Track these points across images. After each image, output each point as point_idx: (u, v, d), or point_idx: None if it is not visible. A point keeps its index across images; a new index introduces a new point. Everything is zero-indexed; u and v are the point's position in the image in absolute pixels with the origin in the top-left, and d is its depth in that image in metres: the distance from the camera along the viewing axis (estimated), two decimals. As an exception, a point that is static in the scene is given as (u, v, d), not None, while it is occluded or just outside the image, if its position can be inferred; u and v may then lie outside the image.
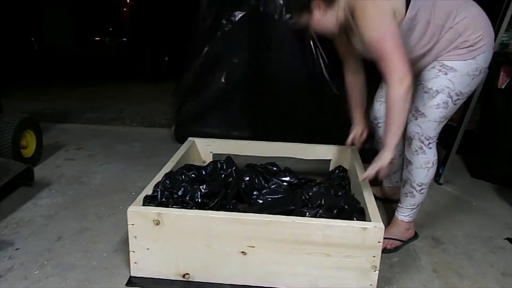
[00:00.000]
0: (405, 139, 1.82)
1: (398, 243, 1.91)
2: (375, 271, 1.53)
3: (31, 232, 1.96)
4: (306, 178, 2.11)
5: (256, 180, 1.95)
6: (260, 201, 1.80)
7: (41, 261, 1.74)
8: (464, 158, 3.03)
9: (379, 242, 1.50)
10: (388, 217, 2.12)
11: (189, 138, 2.43)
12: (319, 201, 1.77)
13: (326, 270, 1.54)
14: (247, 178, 1.93)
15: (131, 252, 1.60)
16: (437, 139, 1.78)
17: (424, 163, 1.78)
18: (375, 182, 2.07)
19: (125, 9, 6.11)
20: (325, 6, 1.64)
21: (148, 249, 1.58)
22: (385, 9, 1.54)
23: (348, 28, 1.70)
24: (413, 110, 1.75)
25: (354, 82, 2.02)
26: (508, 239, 2.04)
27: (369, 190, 1.81)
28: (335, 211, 1.74)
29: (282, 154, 2.39)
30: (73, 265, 1.72)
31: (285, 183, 1.95)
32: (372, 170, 1.67)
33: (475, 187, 2.66)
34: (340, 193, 1.90)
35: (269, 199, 1.81)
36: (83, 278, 1.64)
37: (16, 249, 1.82)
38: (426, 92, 1.71)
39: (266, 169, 2.05)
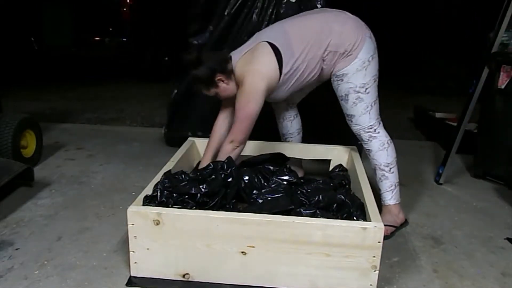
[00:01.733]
0: (356, 136, 2.06)
1: (392, 228, 2.02)
2: (375, 271, 1.53)
3: (31, 232, 1.96)
4: (306, 178, 2.11)
5: (256, 180, 1.95)
6: (260, 201, 1.80)
7: (41, 261, 1.74)
8: (464, 158, 3.03)
9: (379, 242, 1.50)
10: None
11: (189, 138, 2.43)
12: (317, 197, 1.78)
13: (326, 270, 1.54)
14: (247, 178, 1.93)
15: (131, 252, 1.60)
16: (379, 122, 2.01)
17: (379, 145, 2.00)
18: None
19: (125, 9, 6.11)
20: (226, 78, 1.97)
21: (148, 249, 1.58)
22: (259, 87, 1.88)
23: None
24: (345, 116, 2.03)
25: (221, 126, 2.19)
26: (508, 239, 2.04)
27: (369, 190, 1.81)
28: (334, 206, 1.74)
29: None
30: (73, 265, 1.72)
31: (284, 182, 1.95)
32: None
33: (475, 187, 2.66)
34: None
35: (269, 198, 1.81)
36: (83, 278, 1.64)
37: (16, 249, 1.82)
38: (341, 100, 2.00)
39: (266, 169, 2.05)
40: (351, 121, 2.01)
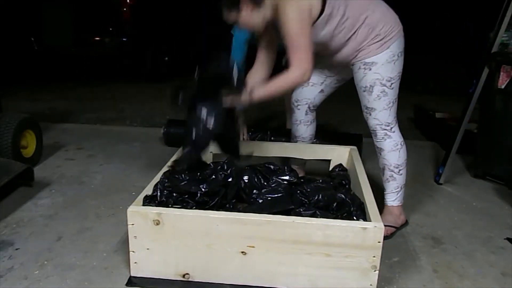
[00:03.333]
0: (370, 132, 2.02)
1: (393, 229, 2.02)
2: (375, 271, 1.53)
3: (31, 232, 1.96)
4: (306, 177, 2.11)
5: (256, 179, 1.95)
6: (260, 201, 1.80)
7: (41, 261, 1.74)
8: (464, 158, 3.03)
9: (379, 242, 1.50)
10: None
11: (189, 138, 2.42)
12: (317, 196, 1.78)
13: (326, 270, 1.54)
14: (247, 177, 1.93)
15: (131, 252, 1.60)
16: (396, 121, 1.99)
17: (393, 145, 1.98)
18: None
19: (125, 9, 6.11)
20: (252, 6, 1.78)
21: (148, 249, 1.58)
22: (303, 10, 1.73)
23: (275, 23, 1.84)
24: (364, 109, 1.98)
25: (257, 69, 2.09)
26: (508, 239, 2.04)
27: (369, 190, 1.81)
28: (334, 205, 1.74)
29: (282, 154, 2.39)
30: (73, 265, 1.72)
31: (285, 182, 1.95)
32: (228, 99, 1.82)
33: (475, 187, 2.66)
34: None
35: (269, 198, 1.81)
36: (83, 278, 1.64)
37: (16, 249, 1.82)
38: (364, 91, 1.94)
39: (266, 168, 2.05)
40: (370, 114, 1.96)
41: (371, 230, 1.49)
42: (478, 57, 2.59)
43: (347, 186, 2.06)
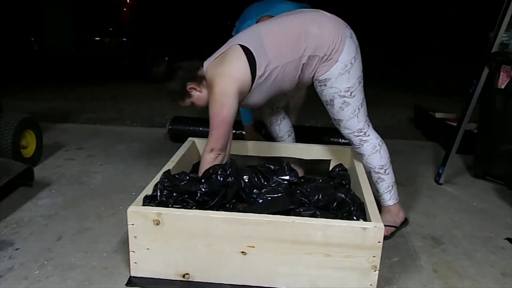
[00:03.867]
0: (347, 139, 2.03)
1: (393, 229, 2.02)
2: (375, 271, 1.53)
3: (31, 232, 1.96)
4: (306, 177, 2.11)
5: (256, 179, 1.94)
6: (260, 201, 1.80)
7: (41, 261, 1.74)
8: (464, 158, 3.03)
9: (379, 242, 1.50)
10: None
11: (189, 138, 2.43)
12: (317, 196, 1.78)
13: (326, 270, 1.54)
14: (247, 177, 1.93)
15: (131, 252, 1.60)
16: (368, 123, 1.97)
17: (371, 148, 1.97)
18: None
19: (125, 9, 6.11)
20: (198, 85, 1.95)
21: (148, 249, 1.58)
22: (229, 90, 1.84)
23: None
24: (333, 120, 2.00)
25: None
26: (508, 239, 2.04)
27: (369, 190, 1.81)
28: (334, 204, 1.74)
29: (282, 154, 2.39)
30: (73, 265, 1.72)
31: (285, 182, 1.95)
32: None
33: (475, 187, 2.66)
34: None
35: (269, 198, 1.81)
36: (83, 278, 1.64)
37: (16, 249, 1.82)
38: (327, 105, 1.95)
39: (266, 168, 2.05)
40: (339, 125, 1.97)
41: (371, 230, 1.49)
42: (478, 57, 2.59)
43: (347, 186, 2.06)
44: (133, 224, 1.57)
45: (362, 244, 1.50)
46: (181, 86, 1.96)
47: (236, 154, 2.35)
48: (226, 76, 1.85)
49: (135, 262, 1.61)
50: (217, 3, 6.93)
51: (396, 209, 2.05)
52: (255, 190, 1.88)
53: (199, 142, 2.41)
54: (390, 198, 2.03)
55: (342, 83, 1.87)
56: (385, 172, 1.99)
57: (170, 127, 3.26)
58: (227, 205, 1.80)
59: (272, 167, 2.01)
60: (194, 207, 1.70)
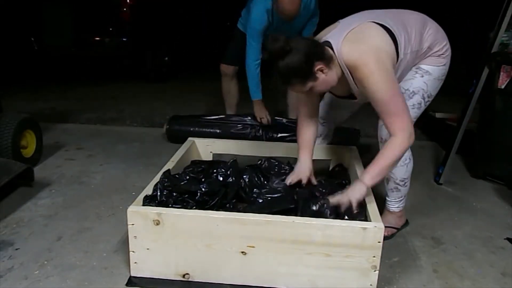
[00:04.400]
0: (379, 140, 1.87)
1: (394, 230, 2.02)
2: (375, 271, 1.53)
3: (31, 232, 1.96)
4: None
5: (256, 179, 1.94)
6: (260, 200, 1.80)
7: (41, 261, 1.74)
8: (464, 158, 3.03)
9: (379, 242, 1.50)
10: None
11: (189, 138, 2.43)
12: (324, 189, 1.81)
13: (326, 270, 1.54)
14: (247, 177, 1.93)
15: (131, 252, 1.60)
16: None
17: (402, 161, 1.85)
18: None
19: (125, 9, 6.11)
20: (326, 67, 1.61)
21: (148, 249, 1.58)
22: (388, 68, 1.58)
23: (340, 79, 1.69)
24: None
25: (308, 125, 1.96)
26: (508, 239, 2.04)
27: (369, 190, 1.81)
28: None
29: (282, 154, 2.39)
30: (73, 265, 1.72)
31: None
32: (343, 199, 1.65)
33: (475, 187, 2.66)
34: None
35: (269, 198, 1.81)
36: (83, 278, 1.64)
37: (16, 249, 1.82)
38: (403, 93, 1.75)
39: (267, 166, 2.05)
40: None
41: (371, 230, 1.49)
42: (478, 57, 2.59)
43: (347, 186, 2.06)
44: (133, 224, 1.57)
45: (362, 244, 1.50)
46: (308, 65, 1.56)
47: (236, 154, 2.35)
48: (379, 51, 1.58)
49: (135, 262, 1.61)
50: (217, 3, 6.92)
51: (400, 214, 2.05)
52: (255, 190, 1.88)
53: (199, 142, 2.42)
54: (398, 206, 2.02)
55: (433, 86, 1.82)
56: (404, 185, 1.95)
57: (167, 127, 3.25)
58: (227, 205, 1.81)
59: (275, 162, 2.01)
60: (194, 207, 1.70)
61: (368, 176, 1.65)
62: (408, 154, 1.88)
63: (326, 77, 1.62)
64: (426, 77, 1.79)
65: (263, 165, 2.07)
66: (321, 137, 2.23)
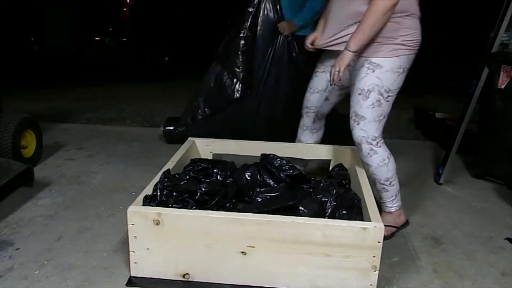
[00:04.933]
0: (355, 145, 1.92)
1: (393, 229, 2.02)
2: (375, 271, 1.53)
3: (31, 232, 1.96)
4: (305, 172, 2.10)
5: (259, 176, 1.94)
6: (259, 199, 1.80)
7: (41, 261, 1.74)
8: (464, 158, 3.03)
9: (379, 242, 1.50)
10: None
11: (189, 138, 2.43)
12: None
13: (326, 270, 1.54)
14: (248, 174, 1.93)
15: (131, 252, 1.60)
16: (382, 137, 1.89)
17: (380, 161, 1.89)
18: None
19: (125, 9, 6.11)
20: None
21: (148, 249, 1.58)
22: None
23: None
24: (353, 115, 1.86)
25: None
26: (508, 239, 2.04)
27: (369, 190, 1.81)
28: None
29: (282, 154, 2.39)
30: (73, 265, 1.72)
31: (286, 177, 1.95)
32: (333, 70, 1.79)
33: (475, 187, 2.66)
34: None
35: (268, 197, 1.81)
36: (83, 278, 1.64)
37: (16, 249, 1.82)
38: (359, 94, 1.82)
39: (270, 159, 2.05)
40: (358, 123, 1.84)
41: (371, 230, 1.49)
42: (478, 57, 2.59)
43: (347, 186, 2.06)
44: (133, 224, 1.57)
45: (362, 244, 1.50)
46: None
47: (236, 154, 2.35)
48: None
49: (135, 262, 1.61)
50: (217, 3, 6.92)
51: (398, 213, 2.05)
52: (257, 189, 1.88)
53: (199, 142, 2.41)
54: (392, 205, 2.02)
55: (388, 80, 1.79)
56: (390, 184, 1.95)
57: (164, 128, 3.24)
58: (227, 205, 1.81)
59: (279, 160, 2.01)
60: (194, 207, 1.70)
61: (351, 43, 1.73)
62: (386, 153, 1.89)
63: None
64: (378, 71, 1.78)
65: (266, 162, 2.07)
66: (309, 129, 2.35)
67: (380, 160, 1.88)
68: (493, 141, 2.64)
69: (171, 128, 3.21)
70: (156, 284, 1.60)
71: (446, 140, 2.79)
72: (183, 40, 6.68)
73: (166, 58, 6.08)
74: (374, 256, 1.51)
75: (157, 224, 1.55)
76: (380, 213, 1.70)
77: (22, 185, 2.38)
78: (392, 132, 3.49)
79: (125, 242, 1.77)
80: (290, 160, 2.36)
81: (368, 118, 1.82)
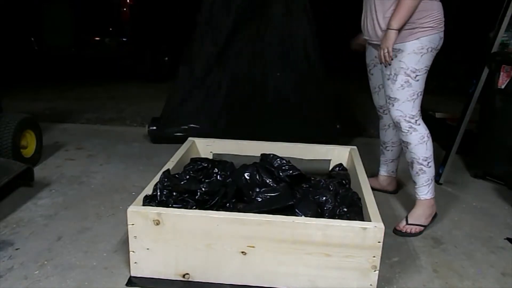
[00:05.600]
0: (395, 125, 2.02)
1: (421, 228, 2.04)
2: (375, 271, 1.53)
3: (31, 232, 1.96)
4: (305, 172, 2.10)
5: (258, 176, 1.94)
6: (259, 199, 1.80)
7: (41, 261, 1.74)
8: (464, 158, 3.03)
9: (379, 242, 1.50)
10: (387, 214, 2.12)
11: (189, 138, 2.43)
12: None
13: (326, 270, 1.54)
14: (248, 174, 1.93)
15: (131, 252, 1.60)
16: (420, 114, 1.97)
17: (419, 138, 1.96)
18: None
19: (125, 9, 6.10)
20: None
21: (148, 249, 1.58)
22: None
23: None
24: (387, 99, 1.98)
25: None
26: (508, 239, 2.04)
27: (369, 190, 1.81)
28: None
29: (282, 154, 2.38)
30: (73, 265, 1.72)
31: (286, 177, 1.95)
32: (382, 51, 1.86)
33: (475, 187, 2.66)
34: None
35: (268, 197, 1.81)
36: (83, 278, 1.64)
37: (16, 249, 1.82)
38: (388, 79, 1.94)
39: (267, 165, 2.05)
40: (393, 105, 1.95)
41: (371, 230, 1.49)
42: (478, 57, 2.59)
43: (347, 186, 2.06)
44: (133, 224, 1.57)
45: (362, 244, 1.50)
46: None
47: (236, 154, 2.35)
48: None
49: (135, 262, 1.61)
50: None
51: (430, 204, 2.06)
52: (257, 189, 1.88)
53: (199, 142, 2.42)
54: (428, 191, 2.03)
55: (411, 61, 1.88)
56: (427, 165, 1.99)
57: (150, 128, 3.25)
58: (227, 205, 1.81)
59: (278, 160, 2.01)
60: (194, 207, 1.70)
61: (393, 22, 1.83)
62: (426, 131, 1.96)
63: None
64: (399, 55, 1.89)
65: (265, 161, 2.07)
66: (392, 127, 2.29)
67: (420, 137, 1.95)
68: (493, 141, 2.64)
69: (154, 128, 3.26)
70: (156, 284, 1.60)
71: (446, 140, 2.79)
72: (183, 40, 6.69)
73: (166, 58, 6.07)
74: (374, 256, 1.51)
75: (157, 224, 1.55)
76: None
77: (22, 185, 2.38)
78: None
79: (125, 242, 1.77)
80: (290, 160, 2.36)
81: (401, 99, 1.92)
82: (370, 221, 1.57)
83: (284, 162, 2.02)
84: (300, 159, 2.43)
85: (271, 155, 2.05)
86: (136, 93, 5.21)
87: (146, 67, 5.92)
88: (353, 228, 1.50)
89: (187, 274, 1.60)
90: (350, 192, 1.91)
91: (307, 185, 1.99)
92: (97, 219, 2.10)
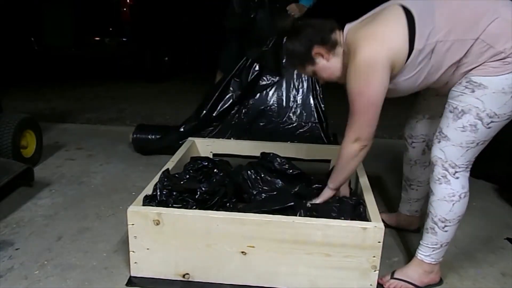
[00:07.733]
0: (430, 163, 1.58)
1: (411, 287, 1.63)
2: (375, 271, 1.53)
3: (31, 232, 1.96)
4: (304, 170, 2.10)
5: (258, 176, 1.94)
6: (259, 199, 1.80)
7: (41, 261, 1.74)
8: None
9: (379, 242, 1.50)
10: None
11: (189, 138, 2.43)
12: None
13: (326, 270, 1.54)
14: (248, 174, 1.93)
15: (131, 252, 1.61)
16: (470, 170, 1.54)
17: (447, 194, 1.52)
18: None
19: (125, 9, 6.10)
20: (327, 52, 1.56)
21: (148, 249, 1.58)
22: (378, 62, 1.41)
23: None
24: (437, 131, 1.52)
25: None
26: (508, 239, 2.04)
27: (369, 190, 1.81)
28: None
29: (282, 154, 2.39)
30: (73, 265, 1.72)
31: (286, 176, 1.95)
32: (315, 201, 1.76)
33: (475, 187, 2.64)
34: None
35: (268, 197, 1.81)
36: (83, 278, 1.64)
37: (16, 249, 1.82)
38: (451, 112, 1.47)
39: (267, 164, 2.05)
40: (439, 142, 1.50)
41: (371, 230, 1.49)
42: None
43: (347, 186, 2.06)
44: (133, 224, 1.57)
45: (362, 244, 1.50)
46: (305, 49, 1.55)
47: (236, 154, 2.35)
48: (376, 40, 1.42)
49: (135, 262, 1.61)
50: (217, 3, 6.92)
51: (430, 269, 1.63)
52: (257, 189, 1.88)
53: (199, 142, 2.42)
54: (429, 255, 1.61)
55: (494, 103, 1.40)
56: (443, 228, 1.55)
57: (134, 136, 2.97)
58: (228, 204, 1.81)
59: (278, 159, 2.01)
60: (194, 207, 1.70)
61: (331, 179, 1.73)
62: (460, 191, 1.52)
63: (326, 63, 1.57)
64: (479, 91, 1.40)
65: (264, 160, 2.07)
66: (419, 163, 1.92)
67: (449, 193, 1.51)
68: (493, 141, 2.63)
69: (142, 136, 2.99)
70: (156, 284, 1.60)
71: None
72: (183, 40, 6.68)
73: (166, 58, 6.07)
74: (374, 256, 1.51)
75: (157, 224, 1.55)
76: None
77: (22, 185, 2.38)
78: (392, 132, 3.48)
79: (125, 242, 1.77)
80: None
81: (452, 140, 1.48)
82: (370, 221, 1.57)
83: (284, 161, 2.02)
84: (300, 159, 2.43)
85: (271, 154, 2.05)
86: (136, 93, 5.21)
87: (146, 67, 5.93)
88: (353, 228, 1.50)
89: (187, 274, 1.60)
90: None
91: (307, 185, 1.98)
92: (97, 219, 2.10)
